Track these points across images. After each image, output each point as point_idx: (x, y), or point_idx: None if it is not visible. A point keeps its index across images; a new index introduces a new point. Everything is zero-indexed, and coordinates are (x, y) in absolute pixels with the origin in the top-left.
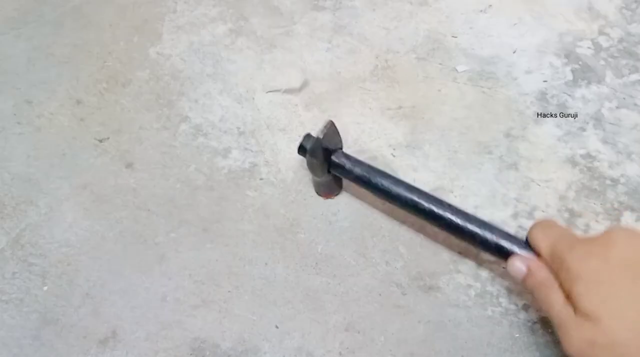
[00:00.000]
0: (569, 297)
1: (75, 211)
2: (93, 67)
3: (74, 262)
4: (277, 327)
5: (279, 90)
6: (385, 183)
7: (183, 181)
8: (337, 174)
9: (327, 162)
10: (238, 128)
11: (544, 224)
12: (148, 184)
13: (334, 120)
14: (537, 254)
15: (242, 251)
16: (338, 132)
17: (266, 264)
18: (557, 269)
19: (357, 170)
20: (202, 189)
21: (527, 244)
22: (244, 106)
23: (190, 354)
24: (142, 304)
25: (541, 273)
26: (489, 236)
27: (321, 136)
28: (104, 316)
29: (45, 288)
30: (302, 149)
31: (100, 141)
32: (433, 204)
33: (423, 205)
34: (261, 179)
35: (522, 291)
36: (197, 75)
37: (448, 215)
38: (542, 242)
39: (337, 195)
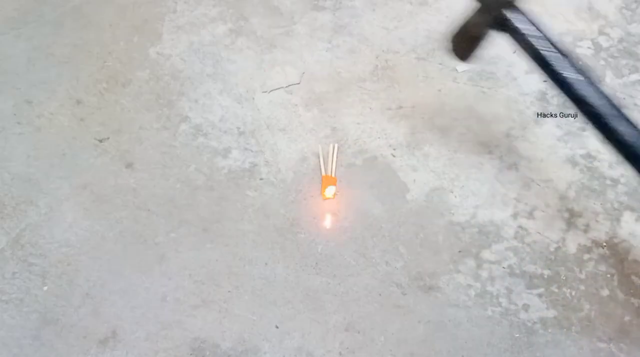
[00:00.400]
0: None
1: (75, 211)
2: (93, 67)
3: (74, 262)
4: (277, 327)
5: (281, 87)
6: (559, 70)
7: (183, 181)
8: (509, 31)
9: (499, 15)
10: (238, 128)
11: None
12: (148, 184)
13: (334, 120)
14: None
15: (242, 251)
16: None
17: (266, 264)
18: None
19: (535, 42)
20: (202, 189)
21: None
22: (244, 106)
23: (190, 354)
24: (142, 304)
25: None
26: None
27: None
28: (104, 316)
29: (45, 288)
30: None
31: (100, 141)
32: (612, 117)
33: (598, 113)
34: (261, 179)
35: (522, 291)
36: (197, 75)
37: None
38: None
39: (468, 57)
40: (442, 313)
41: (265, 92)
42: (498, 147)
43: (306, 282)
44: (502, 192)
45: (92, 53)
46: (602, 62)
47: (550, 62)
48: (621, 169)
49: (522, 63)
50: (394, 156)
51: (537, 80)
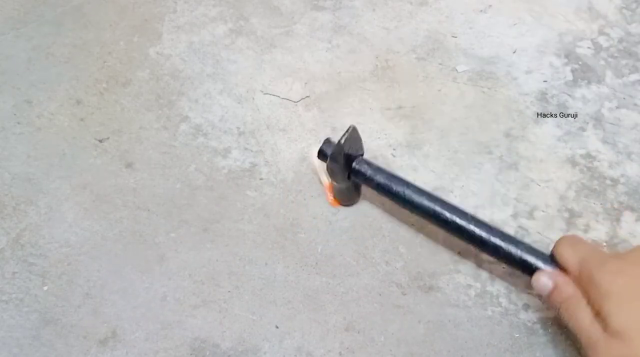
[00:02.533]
0: (598, 314)
1: (75, 211)
2: (93, 67)
3: (74, 262)
4: (277, 327)
5: (278, 96)
6: (408, 192)
7: (183, 181)
8: (358, 182)
9: (348, 168)
10: (238, 128)
11: (571, 240)
12: (148, 184)
13: (334, 120)
14: (564, 269)
15: (242, 251)
16: (360, 138)
17: (266, 264)
18: (585, 285)
19: (379, 178)
20: (202, 189)
21: (551, 259)
22: (244, 106)
23: (190, 354)
24: (142, 304)
25: (568, 289)
26: (513, 250)
27: (342, 141)
28: (104, 316)
29: (45, 288)
30: (321, 154)
31: (100, 141)
32: (457, 216)
33: (446, 216)
34: (261, 179)
35: (522, 291)
36: (197, 75)
37: (472, 227)
38: (570, 258)
39: (355, 202)
40: (442, 313)
41: (265, 93)
42: (498, 147)
43: (306, 282)
44: (502, 192)
45: (92, 53)
46: (602, 62)
47: (402, 198)
48: (621, 169)
49: (522, 63)
50: (394, 156)
51: (537, 80)
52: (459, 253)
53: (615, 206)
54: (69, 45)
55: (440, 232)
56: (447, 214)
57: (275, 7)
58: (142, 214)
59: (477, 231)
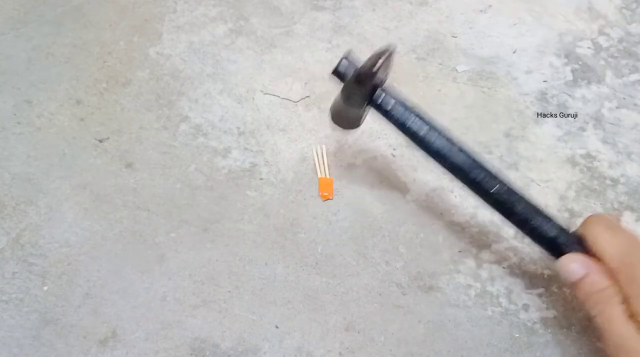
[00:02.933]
0: (635, 315)
1: (75, 211)
2: (93, 67)
3: (74, 262)
4: (277, 327)
5: (278, 96)
6: (429, 140)
7: (183, 181)
8: (378, 112)
9: (369, 96)
10: (238, 128)
11: (608, 223)
12: (148, 184)
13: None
14: (596, 256)
15: (242, 251)
16: (390, 65)
17: (266, 264)
18: (626, 281)
19: (403, 119)
20: (202, 189)
21: (579, 241)
22: (244, 106)
23: (190, 354)
24: (142, 304)
25: (602, 280)
26: (540, 225)
27: (375, 68)
28: (104, 316)
29: (45, 288)
30: (339, 75)
31: (100, 141)
32: (482, 176)
33: (472, 175)
34: (261, 179)
35: (522, 291)
36: (197, 75)
37: (496, 193)
38: (608, 246)
39: (353, 129)
40: (442, 313)
41: (265, 93)
42: (498, 147)
43: (306, 282)
44: None
45: (92, 53)
46: (602, 62)
47: (422, 145)
48: (621, 169)
49: (522, 63)
50: (394, 156)
51: (537, 80)
52: (459, 253)
53: (615, 206)
54: (69, 45)
55: (441, 232)
56: (473, 174)
57: (275, 7)
58: (142, 214)
59: (502, 198)
